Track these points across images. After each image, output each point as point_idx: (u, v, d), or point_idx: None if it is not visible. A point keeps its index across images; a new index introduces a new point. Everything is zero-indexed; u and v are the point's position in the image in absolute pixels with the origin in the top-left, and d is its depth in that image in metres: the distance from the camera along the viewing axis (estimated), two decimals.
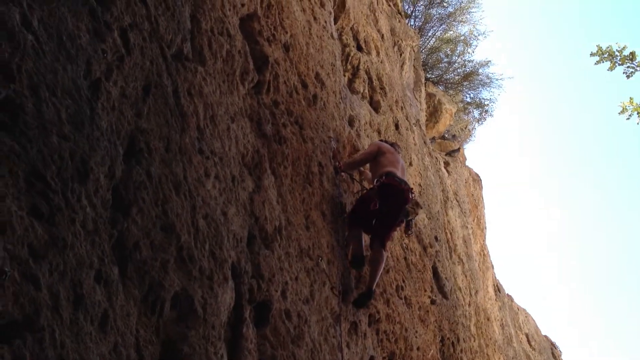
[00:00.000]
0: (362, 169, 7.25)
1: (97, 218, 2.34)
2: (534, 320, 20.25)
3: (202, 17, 3.86)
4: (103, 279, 2.32)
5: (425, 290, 8.50)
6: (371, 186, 6.61)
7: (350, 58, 8.60)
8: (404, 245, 8.19)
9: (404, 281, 7.61)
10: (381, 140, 7.52)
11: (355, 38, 9.16)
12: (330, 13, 7.88)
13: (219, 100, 3.89)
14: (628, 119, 13.58)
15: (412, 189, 6.72)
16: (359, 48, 9.23)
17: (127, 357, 2.39)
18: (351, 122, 7.68)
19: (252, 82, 4.70)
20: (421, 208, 6.69)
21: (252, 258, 3.91)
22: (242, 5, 4.78)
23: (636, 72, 13.19)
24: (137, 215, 2.63)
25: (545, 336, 21.01)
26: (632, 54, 13.06)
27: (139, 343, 2.52)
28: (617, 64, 13.26)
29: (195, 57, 3.73)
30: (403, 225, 6.71)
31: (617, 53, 13.24)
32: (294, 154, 5.23)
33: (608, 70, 13.31)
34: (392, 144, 7.24)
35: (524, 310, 19.62)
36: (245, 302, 3.66)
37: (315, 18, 7.02)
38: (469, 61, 19.98)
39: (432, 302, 8.64)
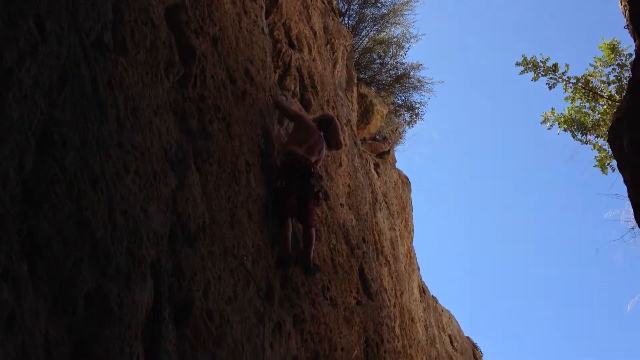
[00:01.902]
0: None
1: (5, 213, 2.22)
2: (457, 322, 20.63)
3: (124, 5, 3.73)
4: (10, 276, 2.21)
5: (351, 292, 8.52)
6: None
7: (281, 55, 8.54)
8: (332, 246, 8.20)
9: (330, 282, 7.62)
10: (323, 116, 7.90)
11: (288, 34, 9.11)
12: (262, 7, 7.80)
13: (141, 93, 3.77)
14: (549, 128, 14.08)
15: (314, 163, 7.07)
16: (291, 45, 9.18)
17: (35, 357, 2.29)
18: (281, 121, 7.63)
19: (177, 75, 4.58)
20: (323, 180, 6.93)
21: (173, 256, 3.81)
22: None
23: (558, 84, 13.68)
24: (49, 211, 2.52)
25: (467, 337, 21.43)
26: (555, 65, 13.51)
27: (48, 343, 2.42)
28: (540, 75, 13.70)
29: (116, 47, 3.60)
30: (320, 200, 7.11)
31: (540, 64, 13.67)
32: (220, 151, 5.14)
33: (532, 80, 13.76)
34: (326, 120, 7.63)
35: (448, 311, 19.97)
36: (164, 301, 3.57)
37: (245, 12, 6.93)
38: (401, 63, 20.13)
39: (358, 303, 8.67)
